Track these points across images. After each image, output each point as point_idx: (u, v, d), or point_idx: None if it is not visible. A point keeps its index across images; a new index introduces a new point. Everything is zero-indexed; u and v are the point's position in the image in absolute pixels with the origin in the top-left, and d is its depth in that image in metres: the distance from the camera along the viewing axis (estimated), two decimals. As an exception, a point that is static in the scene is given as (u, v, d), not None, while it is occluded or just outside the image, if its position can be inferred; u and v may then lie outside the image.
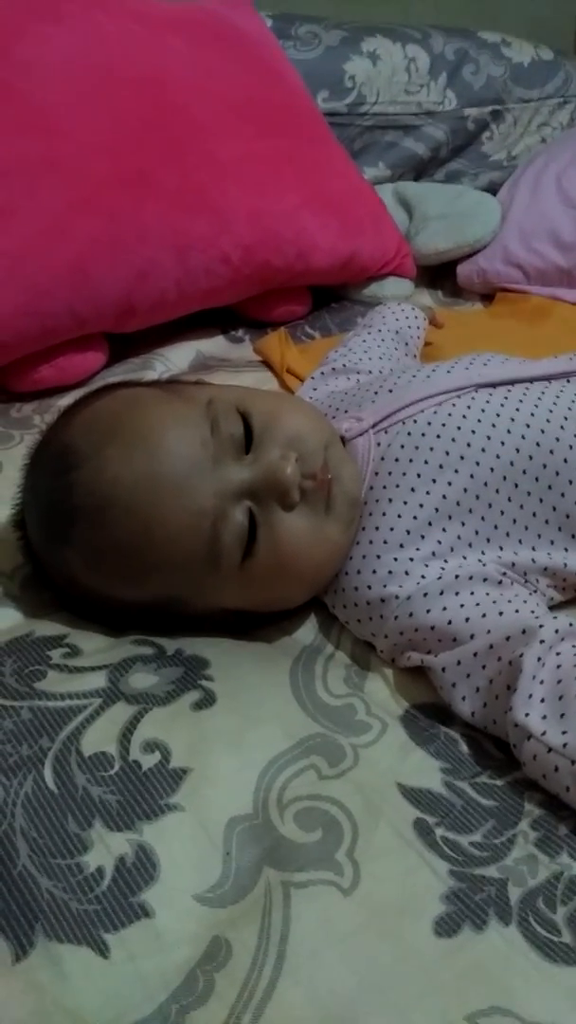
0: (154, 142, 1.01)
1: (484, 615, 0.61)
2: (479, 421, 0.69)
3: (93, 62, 1.02)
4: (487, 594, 0.63)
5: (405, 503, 0.66)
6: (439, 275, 1.30)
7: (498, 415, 0.69)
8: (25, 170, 0.93)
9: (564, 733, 0.53)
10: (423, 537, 0.65)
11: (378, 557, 0.65)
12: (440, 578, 0.63)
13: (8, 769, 0.53)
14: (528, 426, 0.69)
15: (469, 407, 0.70)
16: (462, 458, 0.67)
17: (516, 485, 0.67)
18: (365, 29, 1.38)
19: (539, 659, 0.56)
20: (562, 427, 0.69)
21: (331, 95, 1.33)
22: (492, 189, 1.40)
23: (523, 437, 0.68)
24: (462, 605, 0.62)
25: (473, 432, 0.68)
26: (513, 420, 0.69)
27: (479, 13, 1.62)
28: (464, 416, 0.69)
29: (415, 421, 0.69)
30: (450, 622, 0.61)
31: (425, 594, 0.63)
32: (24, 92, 0.96)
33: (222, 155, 1.05)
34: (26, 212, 0.92)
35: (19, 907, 0.46)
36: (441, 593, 0.63)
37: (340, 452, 0.67)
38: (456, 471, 0.66)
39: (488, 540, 0.66)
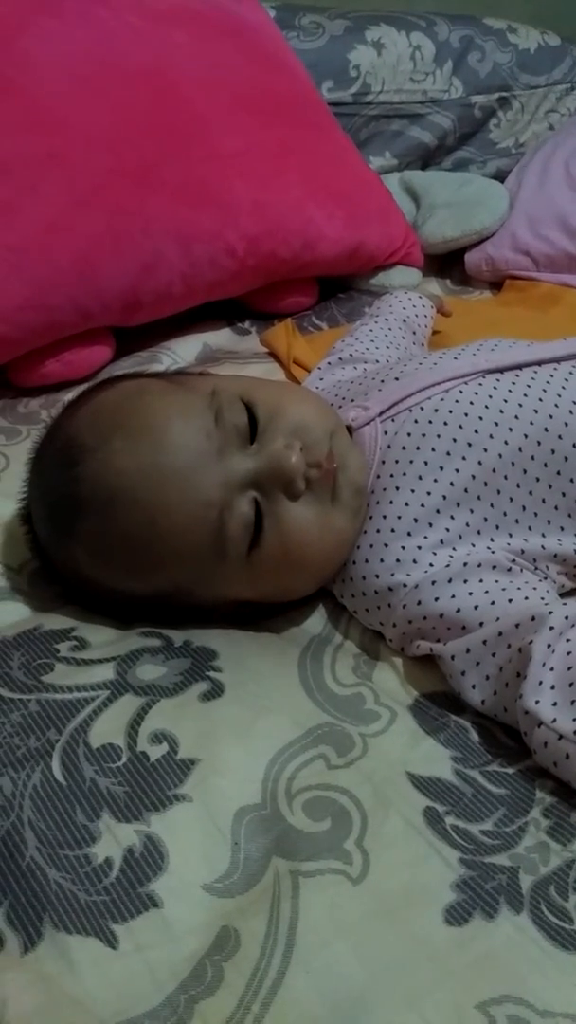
0: (157, 135, 1.00)
1: (493, 602, 0.60)
2: (486, 407, 0.68)
3: (95, 56, 1.01)
4: (496, 581, 0.62)
5: (412, 491, 0.66)
6: (447, 263, 1.29)
7: (506, 401, 0.68)
8: (28, 165, 0.93)
9: (575, 720, 0.53)
10: (431, 525, 0.65)
11: (386, 545, 0.65)
12: (448, 566, 0.63)
13: (16, 761, 0.53)
14: (536, 411, 0.68)
15: (476, 393, 0.69)
16: (469, 444, 0.66)
17: (524, 471, 0.67)
18: (369, 18, 1.37)
19: (549, 646, 0.55)
20: (571, 412, 0.68)
21: (336, 85, 1.32)
22: (500, 176, 1.39)
23: (531, 423, 0.67)
24: (471, 593, 0.61)
25: (480, 418, 0.67)
26: (521, 406, 0.68)
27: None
28: (471, 402, 0.68)
29: (422, 408, 0.69)
30: (459, 610, 0.61)
31: (433, 582, 0.62)
32: (26, 87, 0.96)
33: (226, 147, 1.04)
34: (30, 207, 0.92)
35: (28, 899, 0.46)
36: (449, 581, 0.62)
37: (346, 441, 0.66)
38: (464, 458, 0.66)
39: (497, 527, 0.66)
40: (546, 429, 0.67)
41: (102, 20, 1.04)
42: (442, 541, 0.64)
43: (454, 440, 0.66)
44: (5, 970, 0.44)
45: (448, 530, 0.65)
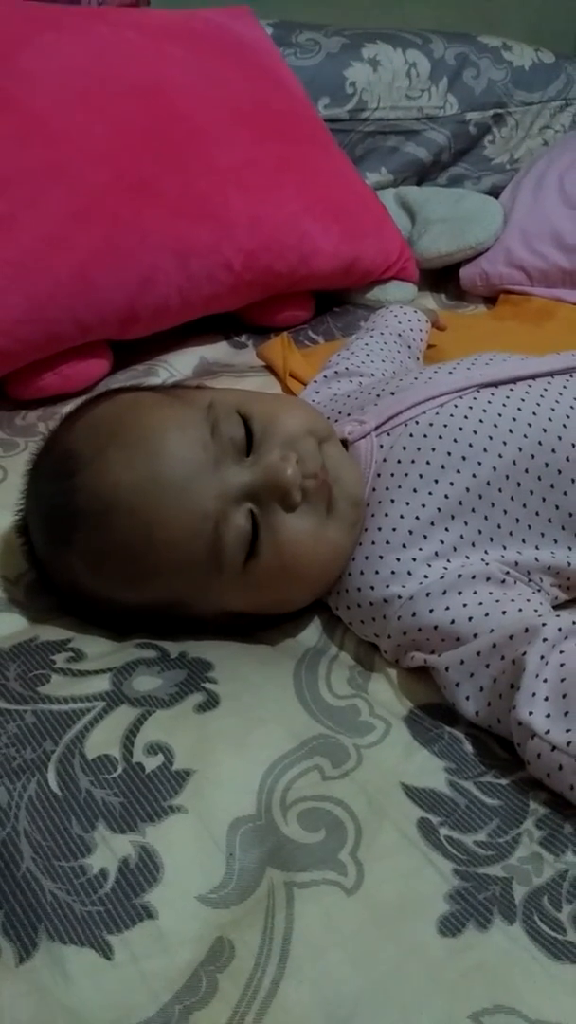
0: (155, 150, 1.01)
1: (487, 614, 0.61)
2: (481, 421, 0.68)
3: (94, 72, 1.02)
4: (490, 593, 0.63)
5: (407, 503, 0.66)
6: (442, 278, 1.30)
7: (500, 415, 0.69)
8: (27, 179, 0.93)
9: (568, 731, 0.53)
10: (426, 537, 0.65)
11: (381, 557, 0.65)
12: (443, 578, 0.63)
13: (12, 772, 0.53)
14: (530, 425, 0.69)
15: (471, 407, 0.70)
16: (464, 458, 0.67)
17: (519, 484, 0.67)
18: (365, 35, 1.39)
19: (542, 657, 0.56)
20: (564, 426, 0.69)
21: (332, 102, 1.33)
22: (495, 192, 1.40)
23: (525, 436, 0.68)
24: (465, 604, 0.62)
25: (475, 432, 0.68)
26: (515, 420, 0.69)
27: (479, 17, 1.62)
28: (466, 416, 0.69)
29: (417, 422, 0.70)
30: (453, 621, 0.61)
31: (428, 594, 0.63)
32: (25, 102, 0.97)
33: (223, 162, 1.05)
34: (28, 221, 0.92)
35: (23, 909, 0.47)
36: (444, 593, 0.62)
37: (339, 452, 0.67)
38: (458, 471, 0.66)
39: (491, 539, 0.66)
40: (540, 443, 0.68)
41: (102, 35, 1.06)
42: (437, 553, 0.65)
43: (449, 454, 0.67)
44: (0, 980, 0.44)
45: (443, 542, 0.65)
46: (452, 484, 0.66)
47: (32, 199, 0.93)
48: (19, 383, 0.97)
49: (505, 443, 0.68)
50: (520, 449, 0.68)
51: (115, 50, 1.06)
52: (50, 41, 1.02)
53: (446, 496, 0.66)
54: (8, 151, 0.94)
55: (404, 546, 0.65)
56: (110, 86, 1.02)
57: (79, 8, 1.12)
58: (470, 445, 0.67)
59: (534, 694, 0.55)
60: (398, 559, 0.65)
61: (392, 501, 0.67)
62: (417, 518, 0.65)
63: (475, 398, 0.71)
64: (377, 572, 0.65)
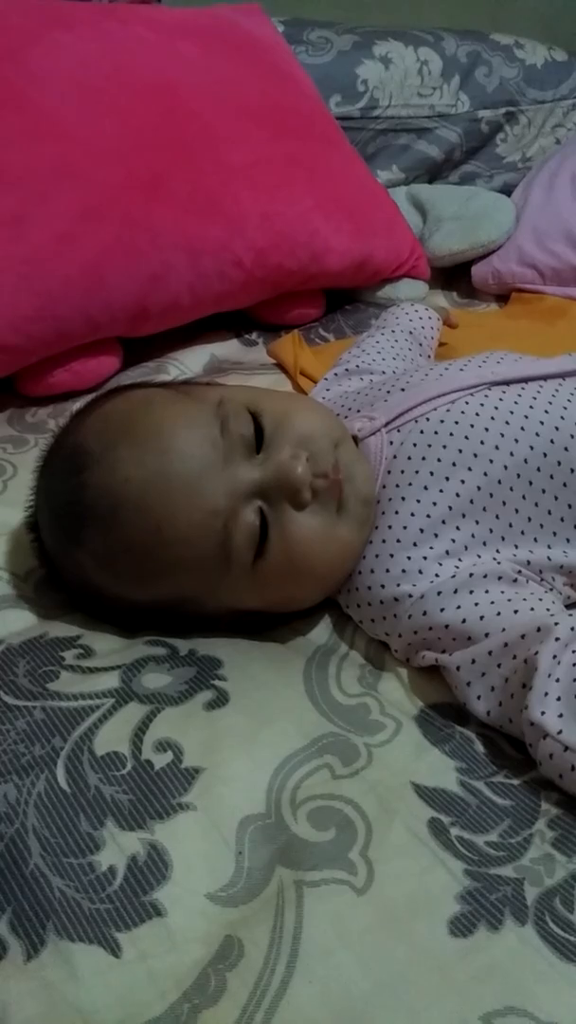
0: (166, 148, 1.01)
1: (499, 613, 0.60)
2: (492, 419, 0.68)
3: (105, 69, 1.02)
4: (502, 592, 0.62)
5: (418, 501, 0.66)
6: (454, 276, 1.30)
7: (511, 412, 0.68)
8: (38, 177, 0.93)
9: (581, 731, 0.53)
10: (437, 535, 0.65)
11: (391, 556, 0.65)
12: (454, 576, 0.63)
13: (21, 769, 0.53)
14: (542, 423, 0.68)
15: (482, 404, 0.69)
16: (475, 456, 0.66)
17: (530, 483, 0.67)
18: (377, 33, 1.39)
19: (555, 657, 0.55)
20: (577, 424, 0.68)
21: (344, 99, 1.33)
22: (507, 191, 1.40)
23: (537, 434, 0.68)
24: (476, 604, 0.61)
25: (486, 430, 0.67)
26: (527, 417, 0.68)
27: (491, 15, 1.62)
28: (477, 414, 0.68)
29: (427, 419, 0.69)
30: (464, 621, 0.61)
31: (439, 593, 0.62)
32: (37, 100, 0.97)
33: (234, 160, 1.05)
34: (40, 219, 0.92)
35: (31, 906, 0.46)
36: (455, 592, 0.62)
37: (352, 451, 0.66)
38: (469, 469, 0.66)
39: (503, 538, 0.66)
40: (552, 441, 0.67)
41: (112, 33, 1.06)
42: (448, 552, 0.64)
43: (459, 451, 0.67)
44: (8, 977, 0.44)
45: (454, 541, 0.65)
46: (463, 482, 0.66)
47: (43, 197, 0.93)
48: (30, 380, 0.97)
49: (517, 441, 0.67)
50: (532, 448, 0.67)
51: (126, 47, 1.06)
52: (61, 39, 1.02)
53: (457, 495, 0.65)
54: (19, 149, 0.94)
55: (415, 544, 0.65)
56: (121, 83, 1.02)
57: (90, 5, 1.12)
58: (482, 443, 0.67)
59: (546, 694, 0.54)
60: (409, 557, 0.64)
61: (403, 499, 0.66)
62: (428, 516, 0.65)
63: (486, 396, 0.70)
64: (388, 571, 0.64)
